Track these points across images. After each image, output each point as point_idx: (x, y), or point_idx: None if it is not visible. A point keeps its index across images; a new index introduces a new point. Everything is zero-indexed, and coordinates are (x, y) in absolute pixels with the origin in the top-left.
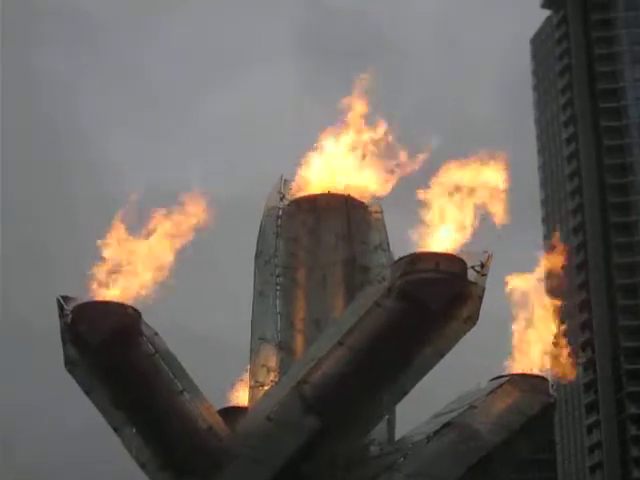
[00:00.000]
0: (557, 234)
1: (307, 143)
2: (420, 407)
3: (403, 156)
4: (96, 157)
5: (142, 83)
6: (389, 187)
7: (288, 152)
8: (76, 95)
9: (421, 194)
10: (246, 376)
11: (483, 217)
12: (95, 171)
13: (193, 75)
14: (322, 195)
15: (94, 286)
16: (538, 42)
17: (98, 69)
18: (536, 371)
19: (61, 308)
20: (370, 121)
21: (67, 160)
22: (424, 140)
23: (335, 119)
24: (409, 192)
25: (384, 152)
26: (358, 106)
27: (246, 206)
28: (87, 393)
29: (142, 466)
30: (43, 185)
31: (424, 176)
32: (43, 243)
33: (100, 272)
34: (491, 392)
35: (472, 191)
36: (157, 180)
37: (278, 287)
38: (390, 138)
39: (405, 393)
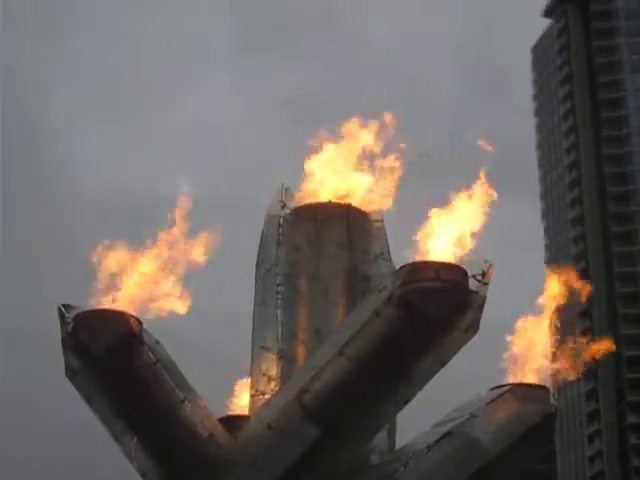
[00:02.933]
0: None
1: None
2: (420, 416)
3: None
4: (65, 156)
5: (114, 83)
6: (391, 195)
7: (257, 155)
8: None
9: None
10: (247, 385)
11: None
12: (64, 170)
13: (164, 76)
14: (323, 204)
15: (93, 294)
16: (539, 51)
17: (70, 68)
18: (536, 380)
19: (62, 316)
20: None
21: (38, 158)
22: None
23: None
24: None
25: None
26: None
27: (216, 207)
28: (87, 401)
29: (143, 475)
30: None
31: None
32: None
33: (100, 280)
34: (491, 401)
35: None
36: (124, 181)
37: (279, 296)
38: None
39: (406, 402)
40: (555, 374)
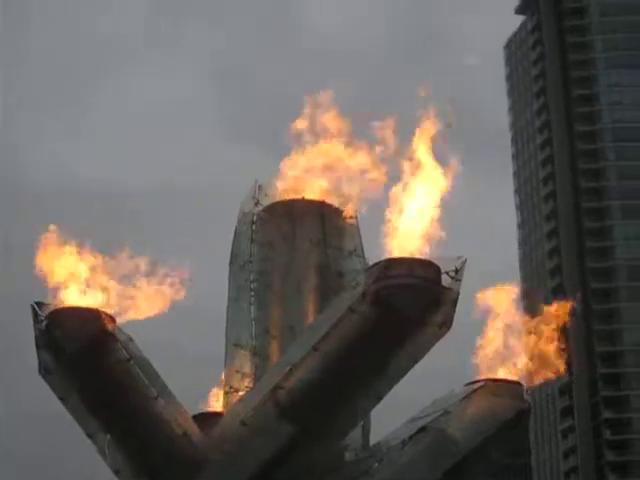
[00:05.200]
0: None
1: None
2: (395, 412)
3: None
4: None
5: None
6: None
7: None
8: None
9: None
10: (220, 382)
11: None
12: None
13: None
14: (297, 200)
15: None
16: (512, 47)
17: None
18: (512, 376)
19: (35, 314)
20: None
21: None
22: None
23: None
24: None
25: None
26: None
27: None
28: (61, 399)
29: (116, 473)
30: None
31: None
32: None
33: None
34: (465, 397)
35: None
36: (69, 172)
37: (252, 293)
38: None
39: (380, 398)
40: (528, 376)
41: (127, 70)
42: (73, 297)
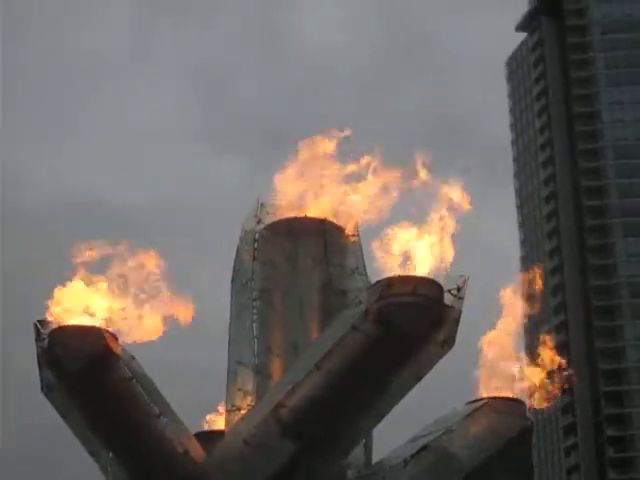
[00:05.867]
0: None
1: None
2: (397, 431)
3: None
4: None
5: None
6: (368, 210)
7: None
8: None
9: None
10: (222, 400)
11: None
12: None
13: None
14: (299, 219)
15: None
16: (513, 65)
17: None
18: (511, 394)
19: (37, 332)
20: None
21: None
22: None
23: None
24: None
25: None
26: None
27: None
28: (63, 417)
29: None
30: None
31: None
32: None
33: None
34: (468, 415)
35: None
36: (60, 188)
37: (255, 311)
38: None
39: (382, 416)
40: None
41: (114, 86)
42: (76, 316)
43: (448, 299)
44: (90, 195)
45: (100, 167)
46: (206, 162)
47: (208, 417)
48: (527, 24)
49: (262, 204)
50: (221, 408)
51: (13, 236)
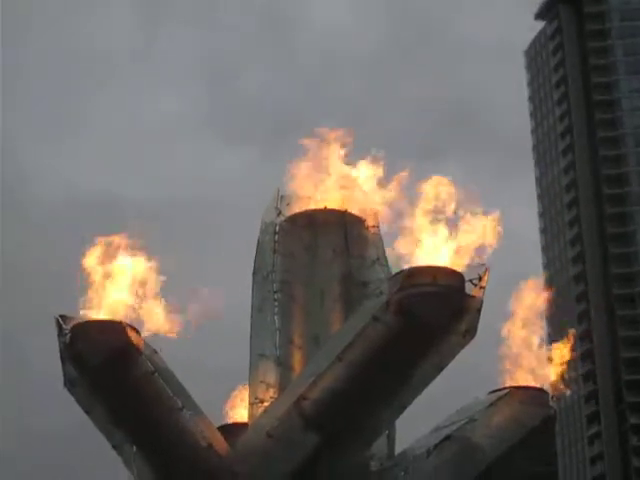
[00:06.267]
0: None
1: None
2: (420, 420)
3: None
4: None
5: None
6: (386, 202)
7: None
8: None
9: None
10: (245, 393)
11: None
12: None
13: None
14: (319, 210)
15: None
16: (532, 53)
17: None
18: (534, 383)
19: (60, 327)
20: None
21: None
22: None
23: None
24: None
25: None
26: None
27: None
28: (87, 412)
29: None
30: None
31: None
32: None
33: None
34: (491, 405)
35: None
36: (76, 184)
37: (276, 303)
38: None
39: (404, 407)
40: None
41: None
42: (98, 311)
43: (469, 288)
44: (104, 193)
45: (109, 165)
46: (217, 154)
47: (228, 406)
48: (545, 12)
49: (282, 196)
50: (236, 397)
51: (18, 234)
